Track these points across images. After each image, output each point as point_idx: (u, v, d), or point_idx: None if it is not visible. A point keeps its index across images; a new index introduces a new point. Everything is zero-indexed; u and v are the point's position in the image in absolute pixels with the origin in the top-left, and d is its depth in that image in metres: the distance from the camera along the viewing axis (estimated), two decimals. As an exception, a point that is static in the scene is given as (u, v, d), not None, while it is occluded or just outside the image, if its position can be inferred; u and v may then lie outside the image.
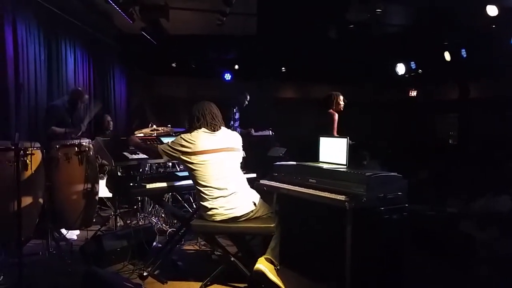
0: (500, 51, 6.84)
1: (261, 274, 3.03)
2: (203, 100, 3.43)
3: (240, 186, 3.29)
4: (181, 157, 3.25)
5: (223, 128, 3.39)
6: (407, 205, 3.17)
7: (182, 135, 3.30)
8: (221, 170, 3.22)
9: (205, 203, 3.22)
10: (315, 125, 5.33)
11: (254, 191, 3.41)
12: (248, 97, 7.11)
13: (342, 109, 5.33)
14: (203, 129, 3.29)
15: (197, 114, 3.32)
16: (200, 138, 3.24)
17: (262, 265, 3.06)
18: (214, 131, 3.30)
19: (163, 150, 3.33)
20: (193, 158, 3.21)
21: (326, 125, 5.10)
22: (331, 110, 5.22)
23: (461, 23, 7.18)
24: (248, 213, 3.24)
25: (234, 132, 3.52)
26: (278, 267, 3.16)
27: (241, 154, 3.44)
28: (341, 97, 5.29)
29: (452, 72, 9.00)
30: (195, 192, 3.39)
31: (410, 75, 9.51)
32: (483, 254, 3.89)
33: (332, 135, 4.85)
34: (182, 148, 3.23)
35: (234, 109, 6.91)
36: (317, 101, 5.76)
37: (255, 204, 3.28)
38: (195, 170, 3.22)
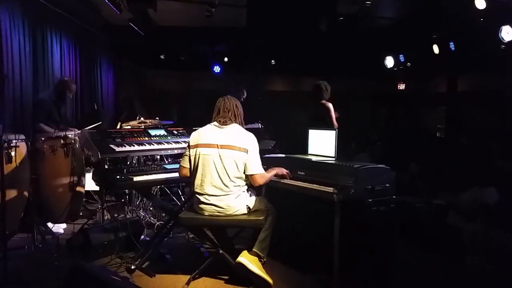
0: (488, 44, 6.88)
1: (242, 266, 3.04)
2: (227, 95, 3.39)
3: (237, 187, 3.19)
4: (189, 151, 3.24)
5: (234, 125, 3.27)
6: (394, 197, 3.19)
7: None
8: (219, 166, 3.13)
9: (198, 196, 3.19)
10: (310, 118, 5.15)
11: (250, 194, 3.33)
12: (245, 93, 6.90)
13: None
14: (214, 122, 3.27)
15: (214, 108, 3.31)
16: (204, 131, 3.23)
17: (243, 257, 3.07)
18: (223, 125, 3.23)
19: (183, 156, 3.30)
20: (191, 151, 3.21)
21: (323, 117, 5.02)
22: (324, 101, 5.15)
23: (450, 16, 7.21)
24: (239, 215, 3.21)
25: (246, 131, 3.30)
26: (264, 260, 3.15)
27: (244, 154, 3.18)
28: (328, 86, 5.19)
29: (440, 65, 9.05)
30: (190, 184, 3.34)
31: (398, 68, 9.54)
32: (471, 245, 3.93)
33: (332, 127, 4.80)
34: (190, 142, 3.24)
35: None
36: (307, 94, 5.67)
37: (249, 208, 3.24)
38: (193, 162, 3.19)
